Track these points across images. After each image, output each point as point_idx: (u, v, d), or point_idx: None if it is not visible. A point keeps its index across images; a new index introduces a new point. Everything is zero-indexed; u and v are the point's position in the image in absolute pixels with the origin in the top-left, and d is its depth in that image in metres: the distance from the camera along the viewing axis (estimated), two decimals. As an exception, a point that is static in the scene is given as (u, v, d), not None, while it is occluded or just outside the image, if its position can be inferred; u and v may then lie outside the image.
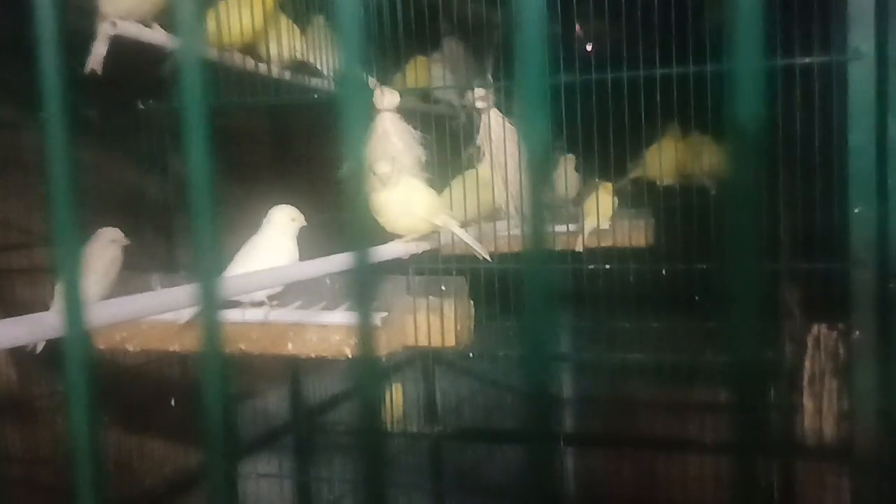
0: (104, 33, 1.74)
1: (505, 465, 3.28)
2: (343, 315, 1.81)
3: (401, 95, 1.91)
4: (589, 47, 2.41)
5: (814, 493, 2.15)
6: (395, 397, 2.89)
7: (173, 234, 2.34)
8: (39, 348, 1.75)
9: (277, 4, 2.07)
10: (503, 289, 2.06)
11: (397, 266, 1.88)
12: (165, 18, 1.77)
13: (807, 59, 1.86)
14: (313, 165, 1.85)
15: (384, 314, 1.78)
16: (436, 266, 1.99)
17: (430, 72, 2.52)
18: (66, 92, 0.45)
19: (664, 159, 2.52)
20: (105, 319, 1.09)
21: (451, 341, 1.92)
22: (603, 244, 2.31)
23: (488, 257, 1.87)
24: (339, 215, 2.00)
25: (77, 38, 1.91)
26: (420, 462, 3.17)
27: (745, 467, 0.40)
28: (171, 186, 2.27)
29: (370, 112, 1.85)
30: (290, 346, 1.82)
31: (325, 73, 2.17)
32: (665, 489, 3.14)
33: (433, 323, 1.90)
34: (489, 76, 2.12)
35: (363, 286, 0.43)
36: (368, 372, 0.43)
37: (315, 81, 2.21)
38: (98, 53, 1.77)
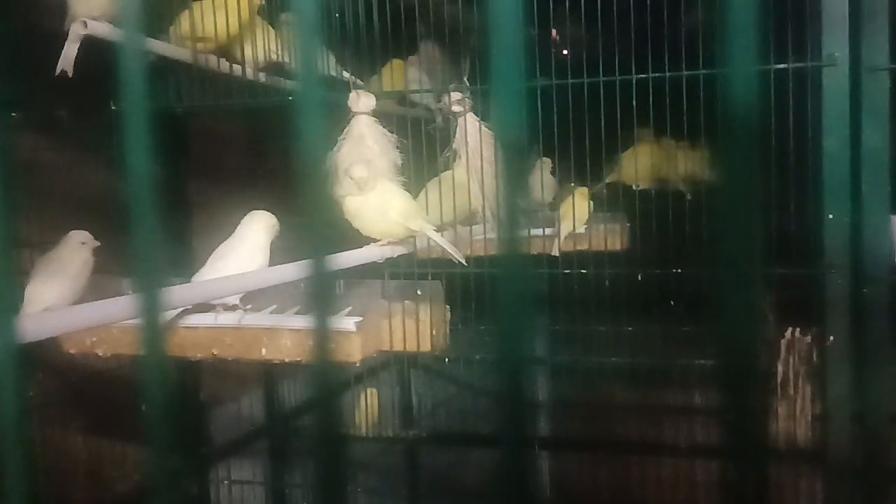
0: (75, 33, 1.72)
1: (481, 469, 3.27)
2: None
3: (377, 98, 1.90)
4: (565, 52, 2.41)
5: (787, 497, 2.16)
6: (371, 402, 2.87)
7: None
8: None
9: (255, 9, 2.06)
10: (479, 293, 2.06)
11: (373, 270, 1.87)
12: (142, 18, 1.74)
13: (782, 65, 1.87)
14: (288, 168, 1.83)
15: (359, 319, 1.77)
16: (411, 270, 1.98)
17: (406, 75, 2.51)
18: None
19: (639, 164, 2.53)
20: (73, 325, 1.07)
21: (426, 346, 1.91)
22: (579, 248, 2.31)
23: (464, 261, 1.86)
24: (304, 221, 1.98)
25: (47, 38, 1.89)
26: (395, 466, 3.16)
27: (722, 471, 0.40)
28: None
29: (337, 114, 1.84)
30: (263, 351, 1.80)
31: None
32: (640, 493, 3.15)
33: (409, 327, 1.89)
34: (465, 80, 2.11)
35: (321, 292, 0.42)
36: (327, 379, 0.42)
37: (290, 83, 2.20)
38: (69, 54, 1.75)
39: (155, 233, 0.42)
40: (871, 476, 1.86)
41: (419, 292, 1.92)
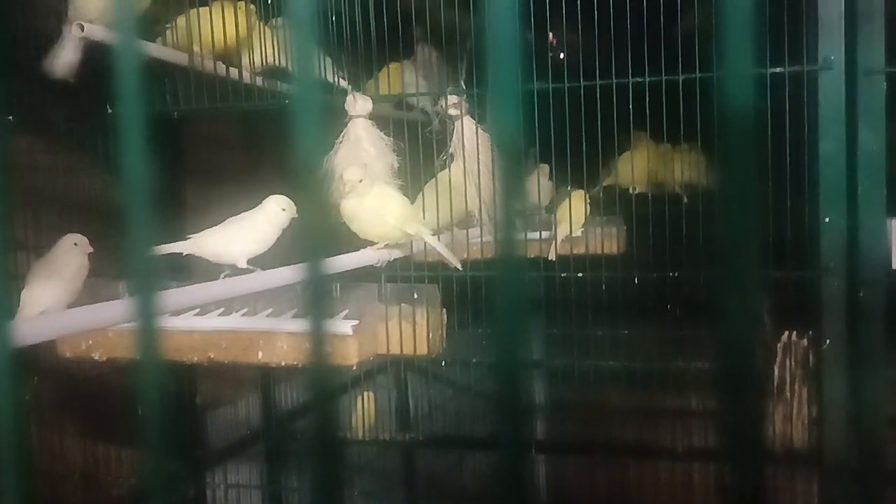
0: (73, 37, 1.72)
1: (477, 473, 3.27)
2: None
3: (373, 102, 1.90)
4: (562, 55, 2.41)
5: (784, 500, 2.16)
6: (367, 405, 2.87)
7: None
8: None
9: (255, 16, 2.06)
10: (475, 296, 2.06)
11: (369, 273, 1.86)
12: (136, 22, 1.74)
13: (778, 69, 1.88)
14: (286, 171, 1.83)
15: (356, 322, 1.77)
16: (408, 273, 1.98)
17: (402, 78, 2.51)
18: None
19: (636, 167, 2.53)
20: (68, 328, 1.07)
21: (423, 349, 1.91)
22: (575, 251, 2.31)
23: (460, 266, 1.86)
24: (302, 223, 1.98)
25: (43, 40, 1.89)
26: (392, 470, 3.15)
27: (720, 474, 0.40)
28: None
29: (333, 116, 1.84)
30: (260, 354, 1.80)
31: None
32: (637, 496, 3.15)
33: (405, 331, 1.89)
34: (462, 83, 2.11)
35: (318, 295, 0.42)
36: (324, 383, 0.42)
37: (287, 87, 2.19)
38: (68, 57, 1.75)
39: (150, 236, 0.42)
40: (868, 479, 1.86)
41: (416, 296, 1.92)
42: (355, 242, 1.79)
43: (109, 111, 2.07)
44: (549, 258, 2.26)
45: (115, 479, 2.35)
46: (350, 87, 2.15)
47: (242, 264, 1.69)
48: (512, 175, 0.40)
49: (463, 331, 2.19)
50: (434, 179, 2.06)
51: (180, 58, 1.98)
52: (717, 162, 0.40)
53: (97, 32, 1.73)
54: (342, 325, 1.74)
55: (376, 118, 1.91)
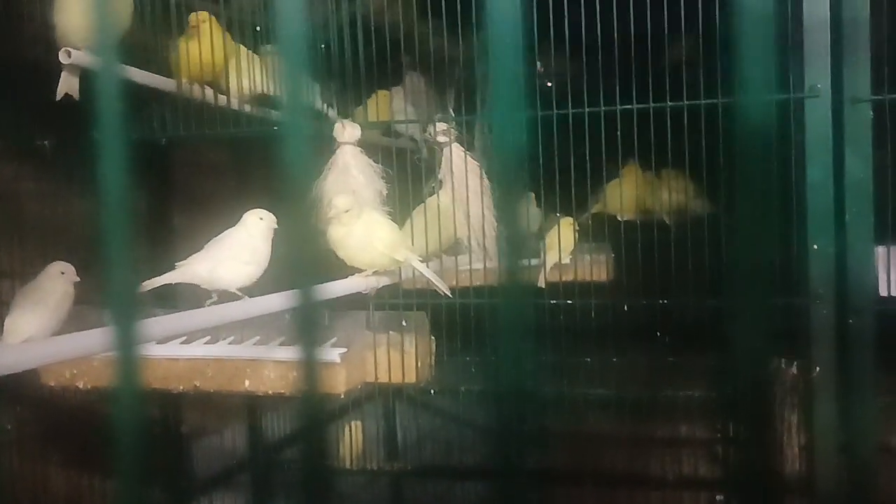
0: (70, 65, 1.72)
1: (466, 502, 3.24)
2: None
3: (362, 129, 1.90)
4: (549, 84, 2.42)
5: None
6: (355, 434, 2.84)
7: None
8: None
9: (231, 38, 2.05)
10: (464, 324, 2.04)
11: (358, 301, 1.85)
12: (122, 48, 1.74)
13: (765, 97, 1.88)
14: (273, 198, 1.83)
15: (344, 350, 1.75)
16: (396, 301, 1.96)
17: (391, 106, 2.51)
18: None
19: (624, 194, 2.54)
20: (52, 356, 1.06)
21: (411, 377, 1.89)
22: (564, 278, 2.31)
23: (449, 293, 1.85)
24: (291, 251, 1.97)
25: (29, 67, 1.88)
26: (380, 500, 3.12)
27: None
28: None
29: (322, 144, 1.84)
30: (247, 383, 1.78)
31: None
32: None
33: (394, 358, 1.88)
34: (450, 110, 2.12)
35: (309, 322, 0.41)
36: (314, 411, 0.41)
37: (275, 114, 2.19)
38: (65, 83, 1.76)
39: (130, 263, 0.41)
40: (859, 507, 1.85)
41: (404, 323, 1.91)
42: (343, 269, 1.78)
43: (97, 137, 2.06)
44: (538, 285, 2.26)
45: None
46: (339, 114, 2.15)
47: (233, 288, 1.68)
48: (513, 202, 0.40)
49: (451, 359, 2.18)
50: (423, 205, 2.06)
51: (167, 84, 1.97)
52: (715, 188, 0.39)
53: (83, 58, 1.72)
54: (330, 353, 1.72)
55: (365, 145, 1.91)
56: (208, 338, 1.90)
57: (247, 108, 2.12)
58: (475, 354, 2.28)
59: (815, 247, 1.83)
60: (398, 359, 1.88)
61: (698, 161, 1.97)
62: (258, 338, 1.89)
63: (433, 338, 1.98)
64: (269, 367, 1.76)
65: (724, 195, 2.01)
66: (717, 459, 3.02)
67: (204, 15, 1.98)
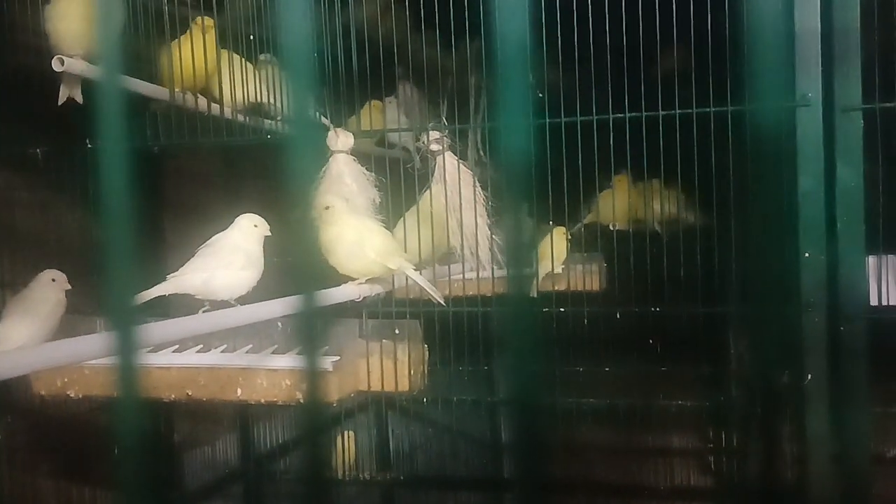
0: (70, 74, 1.73)
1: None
2: (294, 359, 1.78)
3: (355, 137, 1.90)
4: (539, 94, 2.43)
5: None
6: (347, 443, 2.83)
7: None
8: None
9: (221, 45, 2.06)
10: (458, 333, 2.04)
11: (350, 309, 1.85)
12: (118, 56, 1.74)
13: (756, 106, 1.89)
14: (266, 206, 1.83)
15: (336, 358, 1.75)
16: (389, 309, 1.96)
17: (384, 115, 2.51)
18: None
19: (616, 204, 2.54)
20: (42, 363, 1.05)
21: (404, 386, 1.89)
22: (557, 288, 2.31)
23: (442, 301, 1.85)
24: (289, 258, 1.97)
25: (21, 76, 1.88)
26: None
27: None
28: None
29: (322, 154, 1.84)
30: (239, 391, 1.78)
31: (276, 113, 2.16)
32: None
33: (386, 367, 1.88)
34: (443, 119, 2.12)
35: (311, 329, 0.41)
36: (316, 419, 0.41)
37: (268, 122, 2.20)
38: (69, 86, 1.77)
39: (129, 269, 0.41)
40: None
41: (397, 332, 1.91)
42: (336, 278, 1.78)
43: (89, 146, 2.06)
44: (531, 294, 2.26)
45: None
46: (332, 123, 2.15)
47: (230, 297, 1.67)
48: (517, 211, 0.40)
49: (444, 367, 2.18)
50: (415, 207, 2.05)
51: (161, 93, 1.97)
52: (702, 197, 0.39)
53: (76, 66, 1.72)
54: (322, 362, 1.72)
55: (358, 154, 1.91)
56: (201, 346, 1.89)
57: (240, 117, 2.12)
58: (468, 364, 2.28)
59: (807, 255, 1.83)
60: (391, 367, 1.87)
61: (691, 170, 1.98)
62: (251, 346, 1.88)
63: (426, 346, 1.98)
64: (262, 375, 1.75)
65: (715, 204, 2.02)
66: (710, 469, 3.02)
67: (210, 21, 1.99)
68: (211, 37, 1.99)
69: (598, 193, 2.64)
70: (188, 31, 1.99)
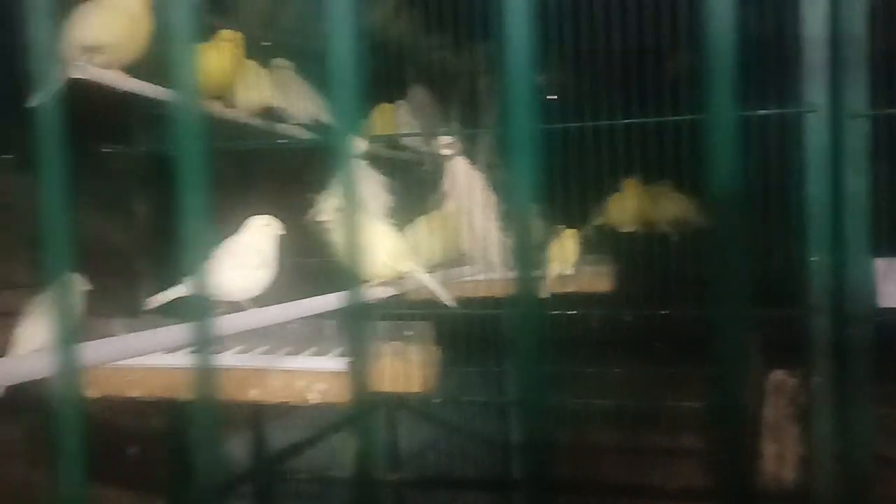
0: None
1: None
2: (308, 360, 1.80)
3: (367, 141, 1.92)
4: (551, 97, 2.45)
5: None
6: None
7: (135, 279, 2.32)
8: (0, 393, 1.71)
9: (243, 53, 2.08)
10: (468, 335, 2.06)
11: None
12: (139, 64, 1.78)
13: (763, 111, 1.91)
14: (279, 210, 1.85)
15: (348, 359, 1.77)
16: (401, 311, 1.98)
17: (395, 119, 2.53)
18: (61, 142, 0.46)
19: (626, 207, 2.56)
20: (125, 353, 1.08)
21: (415, 386, 1.91)
22: (567, 290, 2.33)
23: (453, 304, 1.87)
24: (304, 260, 1.99)
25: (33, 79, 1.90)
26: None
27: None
28: (135, 230, 2.25)
29: (322, 156, 1.86)
30: (253, 392, 1.80)
31: (292, 117, 2.19)
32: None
33: (397, 368, 1.89)
34: (455, 123, 2.14)
35: (355, 327, 0.43)
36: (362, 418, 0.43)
37: (282, 127, 2.22)
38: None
39: (205, 272, 0.44)
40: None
41: (408, 333, 1.93)
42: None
43: (105, 150, 2.09)
44: (540, 296, 2.27)
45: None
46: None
47: (245, 298, 1.69)
48: (524, 214, 0.42)
49: (454, 369, 2.20)
50: (426, 217, 2.07)
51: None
52: (707, 202, 0.42)
53: (90, 72, 1.75)
54: (336, 363, 1.74)
55: (370, 158, 1.93)
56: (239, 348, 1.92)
57: (255, 121, 2.14)
58: (479, 365, 2.30)
59: (814, 259, 1.85)
60: (402, 368, 1.89)
61: (698, 174, 1.99)
62: (266, 347, 1.90)
63: (437, 348, 2.00)
64: (276, 376, 1.78)
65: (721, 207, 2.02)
66: (715, 470, 3.03)
67: (235, 34, 2.01)
68: (237, 49, 2.02)
69: (607, 196, 2.65)
70: (211, 40, 2.02)
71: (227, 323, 1.42)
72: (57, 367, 0.47)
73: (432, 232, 2.03)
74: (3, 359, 0.95)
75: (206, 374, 0.45)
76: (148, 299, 1.72)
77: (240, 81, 2.09)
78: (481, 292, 2.13)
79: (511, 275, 0.44)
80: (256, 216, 1.80)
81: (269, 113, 2.18)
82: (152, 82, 1.86)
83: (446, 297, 1.85)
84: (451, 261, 2.12)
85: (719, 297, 0.43)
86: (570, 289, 2.34)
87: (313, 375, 1.74)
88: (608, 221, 2.68)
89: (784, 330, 1.97)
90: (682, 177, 2.11)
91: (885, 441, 1.95)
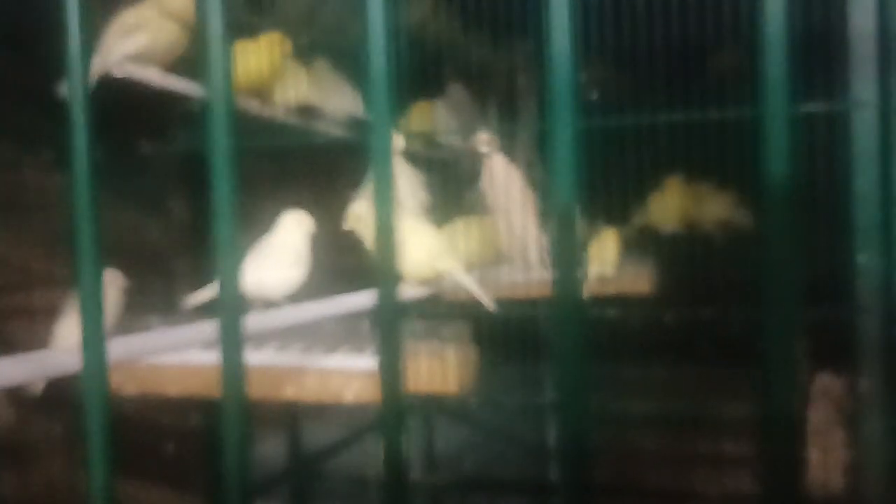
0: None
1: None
2: (344, 359, 1.79)
3: (404, 139, 1.91)
4: (593, 95, 2.42)
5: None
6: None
7: (172, 277, 2.33)
8: (39, 389, 1.73)
9: (285, 52, 2.08)
10: (507, 335, 2.04)
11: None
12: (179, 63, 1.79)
13: (811, 108, 1.86)
14: (317, 210, 1.85)
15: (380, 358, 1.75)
16: (438, 310, 1.97)
17: (433, 116, 2.52)
18: (92, 141, 0.46)
19: (668, 206, 2.52)
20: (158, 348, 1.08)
21: (452, 387, 1.89)
22: (607, 291, 2.30)
23: (492, 305, 1.85)
24: (340, 259, 1.99)
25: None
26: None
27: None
28: (173, 228, 2.26)
29: (359, 154, 1.85)
30: (289, 390, 1.79)
31: (331, 116, 2.19)
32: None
33: (434, 368, 1.88)
34: (493, 121, 2.12)
35: (390, 326, 0.42)
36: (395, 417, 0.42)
37: (321, 125, 2.22)
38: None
39: (237, 270, 0.43)
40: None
41: (445, 333, 1.91)
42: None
43: (144, 148, 2.10)
44: (580, 297, 2.25)
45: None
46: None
47: (280, 296, 1.69)
48: (567, 213, 0.40)
49: (493, 369, 2.17)
50: (465, 219, 2.06)
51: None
52: (755, 201, 0.39)
53: (127, 70, 1.76)
54: (370, 362, 1.73)
55: (407, 155, 1.92)
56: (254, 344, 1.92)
57: (293, 119, 2.14)
58: (518, 366, 2.27)
59: (862, 258, 1.80)
60: (439, 369, 1.88)
61: (745, 173, 1.95)
62: (303, 345, 1.90)
63: (475, 348, 1.98)
64: (312, 374, 1.77)
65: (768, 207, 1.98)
66: (762, 476, 2.98)
67: (282, 37, 2.01)
68: (278, 48, 2.02)
69: (648, 195, 2.62)
70: (251, 38, 2.02)
71: (261, 320, 1.41)
72: (84, 362, 0.46)
73: (470, 231, 2.01)
74: (42, 354, 0.95)
75: (236, 371, 0.44)
76: (186, 298, 1.72)
77: (279, 79, 2.09)
78: (520, 292, 2.11)
79: (551, 275, 0.42)
80: (289, 213, 1.80)
81: (308, 111, 2.18)
82: (193, 80, 1.87)
83: (485, 298, 1.83)
84: (490, 260, 2.10)
85: (770, 299, 0.40)
86: (611, 290, 2.31)
87: (350, 374, 1.73)
88: (650, 221, 2.65)
89: (830, 331, 1.92)
90: (726, 175, 2.07)
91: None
